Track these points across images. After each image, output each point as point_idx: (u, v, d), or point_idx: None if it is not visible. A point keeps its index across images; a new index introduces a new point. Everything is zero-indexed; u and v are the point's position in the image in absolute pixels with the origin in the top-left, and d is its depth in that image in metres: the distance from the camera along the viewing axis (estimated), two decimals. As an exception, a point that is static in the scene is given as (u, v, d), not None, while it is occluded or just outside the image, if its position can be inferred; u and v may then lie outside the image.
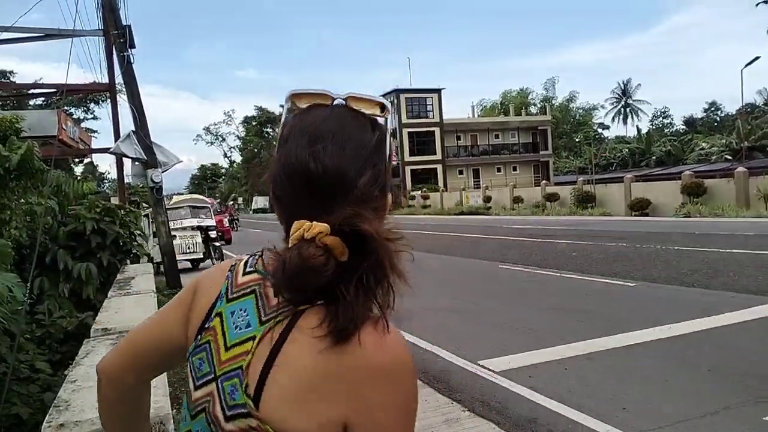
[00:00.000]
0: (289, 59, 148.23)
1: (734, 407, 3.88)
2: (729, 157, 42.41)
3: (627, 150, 59.56)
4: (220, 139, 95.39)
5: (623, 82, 75.00)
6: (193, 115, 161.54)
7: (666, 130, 70.90)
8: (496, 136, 60.35)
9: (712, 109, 74.18)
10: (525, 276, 10.42)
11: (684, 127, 71.11)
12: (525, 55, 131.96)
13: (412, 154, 53.41)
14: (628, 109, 75.52)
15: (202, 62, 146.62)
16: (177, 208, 16.24)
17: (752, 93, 72.22)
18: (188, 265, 14.58)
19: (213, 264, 13.22)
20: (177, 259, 12.36)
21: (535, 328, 6.57)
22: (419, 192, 48.97)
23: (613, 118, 76.92)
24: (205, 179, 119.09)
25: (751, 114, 56.60)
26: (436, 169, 54.95)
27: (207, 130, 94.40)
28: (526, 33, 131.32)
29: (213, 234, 15.34)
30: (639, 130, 68.56)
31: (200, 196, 18.35)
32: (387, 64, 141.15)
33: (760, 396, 4.02)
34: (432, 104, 54.23)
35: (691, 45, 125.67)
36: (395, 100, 52.77)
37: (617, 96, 75.79)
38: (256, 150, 70.02)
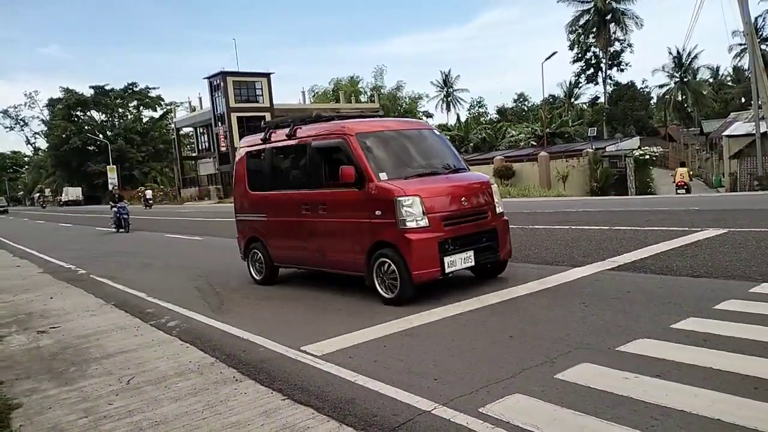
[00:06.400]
0: (101, 37, 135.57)
1: (530, 368, 4.25)
2: (534, 143, 47.25)
3: (449, 137, 63.57)
4: (22, 123, 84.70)
5: (444, 73, 79.80)
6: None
7: (482, 119, 76.77)
8: (328, 123, 60.66)
9: (521, 99, 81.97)
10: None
11: (497, 115, 77.64)
12: (354, 44, 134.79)
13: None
14: (449, 99, 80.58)
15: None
16: None
17: (554, 85, 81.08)
18: None
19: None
20: None
21: (360, 309, 6.66)
22: (251, 179, 47.63)
23: (436, 106, 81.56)
24: (4, 169, 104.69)
25: (553, 104, 63.63)
26: (268, 155, 53.85)
27: (5, 113, 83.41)
28: (354, 22, 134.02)
29: None
30: (459, 118, 73.59)
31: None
32: (212, 46, 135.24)
33: (551, 357, 4.45)
34: (261, 88, 52.93)
35: (502, 40, 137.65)
36: (222, 83, 50.71)
37: (440, 86, 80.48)
38: (64, 135, 62.83)
